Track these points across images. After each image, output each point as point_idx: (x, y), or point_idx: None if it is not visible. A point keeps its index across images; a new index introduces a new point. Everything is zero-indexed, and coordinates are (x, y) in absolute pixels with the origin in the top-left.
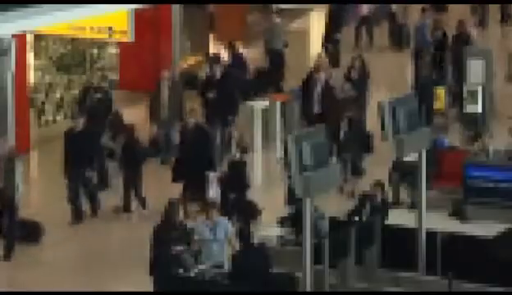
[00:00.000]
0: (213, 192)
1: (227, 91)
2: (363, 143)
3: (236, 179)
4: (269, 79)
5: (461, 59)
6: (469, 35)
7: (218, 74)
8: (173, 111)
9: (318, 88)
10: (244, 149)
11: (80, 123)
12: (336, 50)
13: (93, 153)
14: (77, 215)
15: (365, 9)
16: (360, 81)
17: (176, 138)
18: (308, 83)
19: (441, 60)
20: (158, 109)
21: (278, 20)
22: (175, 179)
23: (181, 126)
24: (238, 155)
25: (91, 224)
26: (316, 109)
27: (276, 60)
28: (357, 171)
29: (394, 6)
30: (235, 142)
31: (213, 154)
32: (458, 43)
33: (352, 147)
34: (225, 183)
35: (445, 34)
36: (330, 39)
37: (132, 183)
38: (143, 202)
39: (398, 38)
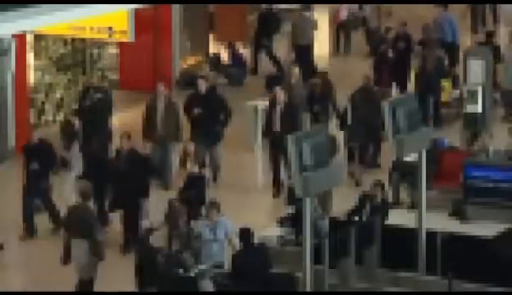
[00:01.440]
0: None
1: (212, 108)
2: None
3: (194, 194)
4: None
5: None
6: (409, 37)
7: (203, 90)
8: (170, 130)
9: (281, 105)
10: (202, 164)
11: (37, 135)
12: (270, 56)
13: (49, 166)
14: (30, 231)
15: (344, 14)
16: (324, 98)
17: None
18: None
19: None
20: (153, 128)
21: (307, 13)
22: (111, 209)
23: (115, 152)
24: (196, 169)
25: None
26: (278, 125)
27: (303, 55)
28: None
29: (368, 11)
30: (192, 157)
31: (149, 181)
32: (398, 42)
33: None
34: (183, 198)
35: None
36: (260, 45)
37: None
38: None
39: (370, 44)
